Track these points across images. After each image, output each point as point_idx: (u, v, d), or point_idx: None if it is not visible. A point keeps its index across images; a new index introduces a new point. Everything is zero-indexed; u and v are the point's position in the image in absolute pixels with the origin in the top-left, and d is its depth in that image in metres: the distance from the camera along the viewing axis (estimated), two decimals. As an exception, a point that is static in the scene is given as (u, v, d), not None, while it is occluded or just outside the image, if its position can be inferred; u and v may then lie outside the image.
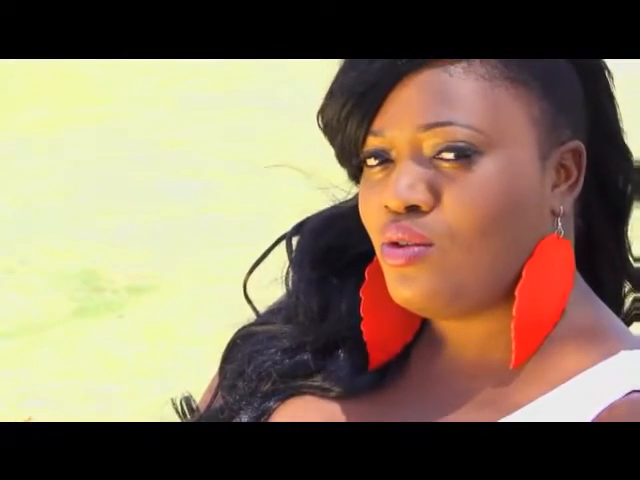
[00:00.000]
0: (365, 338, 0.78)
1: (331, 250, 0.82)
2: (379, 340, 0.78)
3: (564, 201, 0.75)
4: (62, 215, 6.15)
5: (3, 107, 7.66)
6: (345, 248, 0.82)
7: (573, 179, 0.75)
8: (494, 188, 0.72)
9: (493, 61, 0.73)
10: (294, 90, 7.19)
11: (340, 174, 0.81)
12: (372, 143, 0.74)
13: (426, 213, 0.72)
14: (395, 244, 0.73)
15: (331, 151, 0.78)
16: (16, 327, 5.05)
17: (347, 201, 0.82)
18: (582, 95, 0.76)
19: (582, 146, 0.75)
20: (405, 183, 0.72)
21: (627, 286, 0.81)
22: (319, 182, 0.82)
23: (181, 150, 6.98)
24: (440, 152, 0.72)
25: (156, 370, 4.68)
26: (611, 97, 0.78)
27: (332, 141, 0.77)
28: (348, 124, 0.74)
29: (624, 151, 0.78)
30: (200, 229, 6.00)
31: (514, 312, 0.72)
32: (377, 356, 0.78)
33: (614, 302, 0.81)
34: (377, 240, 0.75)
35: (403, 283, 0.73)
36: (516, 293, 0.73)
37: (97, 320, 5.17)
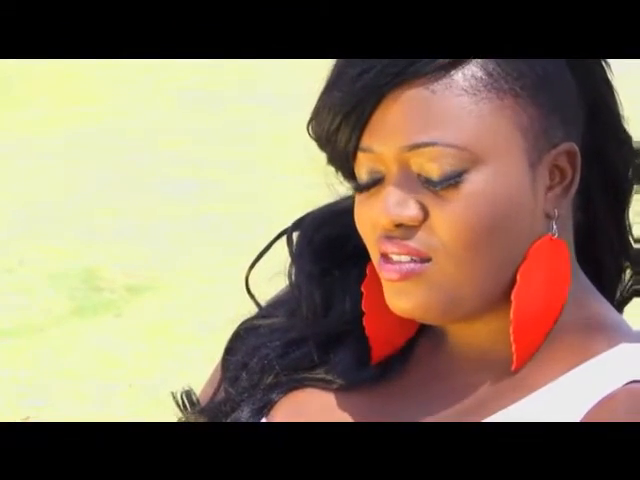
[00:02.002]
0: (367, 333, 0.78)
1: (331, 242, 0.83)
2: (381, 335, 0.79)
3: (559, 203, 0.75)
4: (61, 215, 6.16)
5: (3, 107, 7.66)
6: (345, 240, 0.82)
7: (568, 180, 0.75)
8: (482, 203, 0.72)
9: (477, 73, 0.72)
10: (294, 89, 7.20)
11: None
12: (362, 158, 0.74)
13: (417, 229, 0.73)
14: (389, 257, 0.73)
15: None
16: (16, 327, 5.05)
17: (346, 198, 0.82)
18: (576, 88, 0.75)
19: (575, 147, 0.75)
20: (394, 201, 0.72)
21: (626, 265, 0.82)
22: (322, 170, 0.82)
23: (181, 150, 6.98)
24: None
25: (155, 369, 4.68)
26: (609, 84, 0.77)
27: (323, 150, 0.77)
28: (337, 141, 0.75)
29: (624, 136, 0.78)
30: (199, 229, 6.01)
31: (511, 316, 0.73)
32: (379, 351, 0.79)
33: (615, 288, 0.81)
34: (373, 251, 0.76)
35: (398, 295, 0.74)
36: (512, 298, 0.73)
37: (96, 319, 5.17)
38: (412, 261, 0.72)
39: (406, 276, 0.72)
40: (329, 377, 0.80)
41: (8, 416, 3.93)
